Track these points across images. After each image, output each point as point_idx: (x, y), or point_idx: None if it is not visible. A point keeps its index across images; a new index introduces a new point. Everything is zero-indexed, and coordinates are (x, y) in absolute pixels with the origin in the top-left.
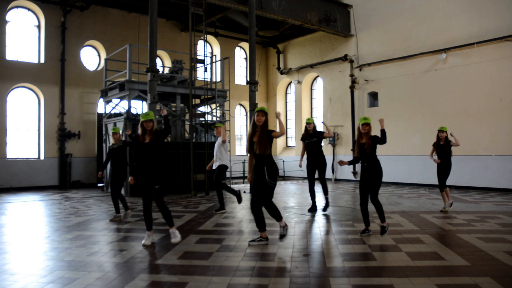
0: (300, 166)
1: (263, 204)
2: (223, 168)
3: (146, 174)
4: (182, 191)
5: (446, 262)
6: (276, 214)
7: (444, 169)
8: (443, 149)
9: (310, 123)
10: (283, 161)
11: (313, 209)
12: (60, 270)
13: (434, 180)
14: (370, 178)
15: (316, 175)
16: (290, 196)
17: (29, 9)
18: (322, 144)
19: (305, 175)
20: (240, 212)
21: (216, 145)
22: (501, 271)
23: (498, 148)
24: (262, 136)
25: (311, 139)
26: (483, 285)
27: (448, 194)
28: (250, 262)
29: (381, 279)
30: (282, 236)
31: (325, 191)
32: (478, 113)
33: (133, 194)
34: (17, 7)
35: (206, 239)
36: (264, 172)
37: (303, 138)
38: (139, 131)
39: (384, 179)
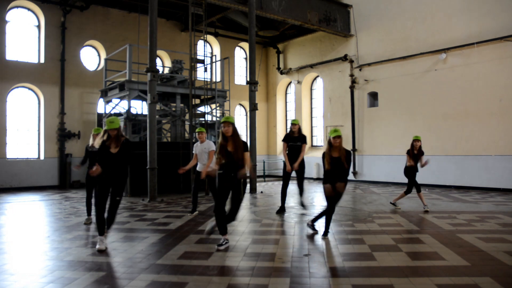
0: (290, 170)
1: (234, 214)
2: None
3: (107, 182)
4: (182, 191)
5: (446, 262)
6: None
7: (413, 175)
8: (416, 157)
9: (295, 124)
10: (283, 162)
11: (281, 211)
12: (60, 270)
13: (434, 180)
14: (339, 191)
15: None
16: (289, 196)
17: (29, 9)
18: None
19: (305, 175)
20: (240, 212)
21: (200, 150)
22: (501, 271)
23: (498, 148)
24: (238, 145)
25: (295, 142)
26: (483, 285)
27: (422, 198)
28: (250, 262)
29: (381, 279)
30: (210, 233)
31: (301, 193)
32: (478, 113)
33: (133, 194)
34: (17, 7)
35: (206, 239)
36: (240, 184)
37: (286, 139)
38: (104, 137)
39: (384, 179)
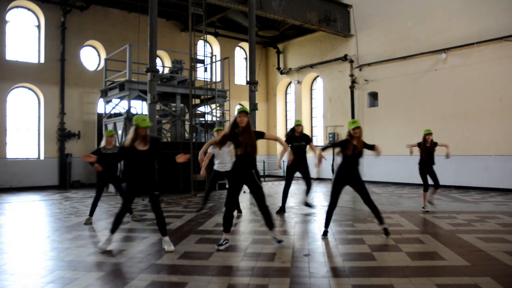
0: (280, 166)
1: (265, 207)
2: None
3: (141, 181)
4: (182, 191)
5: (446, 262)
6: (272, 222)
7: (430, 170)
8: (429, 151)
9: (299, 125)
10: (283, 161)
11: (282, 211)
12: (60, 270)
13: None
14: (355, 182)
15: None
16: (289, 196)
17: (29, 9)
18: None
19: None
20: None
21: (220, 150)
22: (501, 271)
23: (498, 148)
24: (250, 136)
25: (300, 142)
26: (483, 285)
27: (425, 198)
28: (250, 262)
29: (381, 279)
30: (280, 241)
31: (308, 190)
32: (478, 113)
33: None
34: (17, 7)
35: (206, 239)
36: (253, 175)
37: (289, 140)
38: (131, 135)
39: (384, 179)
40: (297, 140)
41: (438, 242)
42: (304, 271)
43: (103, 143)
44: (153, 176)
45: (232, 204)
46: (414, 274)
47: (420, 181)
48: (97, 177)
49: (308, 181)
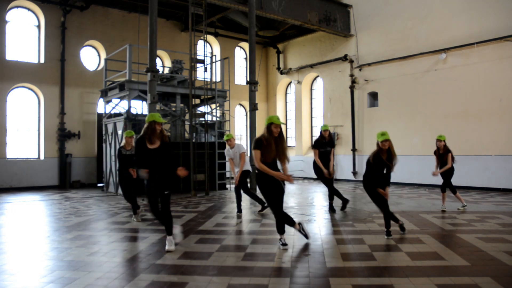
0: (327, 174)
1: (280, 210)
2: (247, 173)
3: (154, 179)
4: (182, 191)
5: (446, 262)
6: (283, 228)
7: (447, 174)
8: (442, 158)
9: (326, 130)
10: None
11: (345, 203)
12: (60, 270)
13: (434, 180)
14: (381, 185)
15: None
16: (290, 196)
17: (29, 9)
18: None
19: (305, 175)
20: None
21: (232, 155)
22: (501, 271)
23: (498, 148)
24: (283, 145)
25: (326, 148)
26: (483, 285)
27: (460, 198)
28: (250, 262)
29: (381, 279)
30: (284, 245)
31: (339, 195)
32: (478, 113)
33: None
34: (17, 7)
35: (206, 239)
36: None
37: (317, 146)
38: (147, 131)
39: None
40: (324, 146)
41: (438, 242)
42: (304, 271)
43: (123, 143)
44: (164, 175)
45: (279, 210)
46: (414, 274)
47: (420, 181)
48: (118, 177)
49: (330, 185)
